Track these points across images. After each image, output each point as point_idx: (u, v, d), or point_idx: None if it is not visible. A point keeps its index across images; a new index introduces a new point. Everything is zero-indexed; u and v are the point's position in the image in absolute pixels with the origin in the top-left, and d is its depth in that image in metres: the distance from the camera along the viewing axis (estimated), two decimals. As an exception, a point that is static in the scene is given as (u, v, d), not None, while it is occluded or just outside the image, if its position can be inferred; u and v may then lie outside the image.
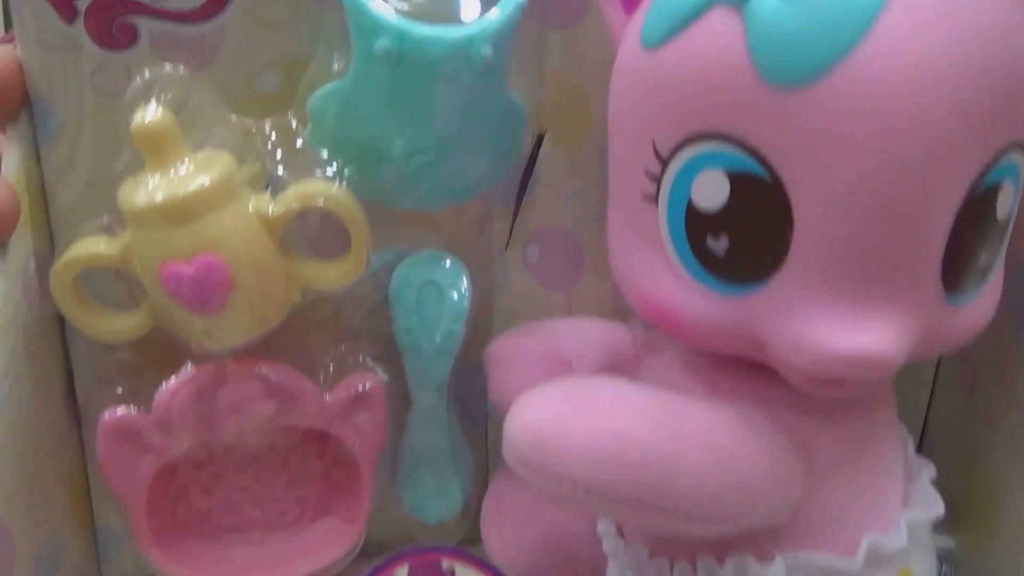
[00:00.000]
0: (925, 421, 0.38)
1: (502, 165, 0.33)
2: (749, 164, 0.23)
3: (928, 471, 0.29)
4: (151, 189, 0.27)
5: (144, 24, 0.29)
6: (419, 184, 0.32)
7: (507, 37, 0.29)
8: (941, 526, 0.35)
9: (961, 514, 0.34)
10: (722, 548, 0.27)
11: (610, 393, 0.24)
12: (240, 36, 0.30)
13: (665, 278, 0.26)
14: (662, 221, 0.26)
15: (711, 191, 0.24)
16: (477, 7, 0.29)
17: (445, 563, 0.30)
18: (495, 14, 0.29)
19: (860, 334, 0.23)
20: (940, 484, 0.35)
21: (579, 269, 0.36)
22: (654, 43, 0.25)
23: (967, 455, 0.34)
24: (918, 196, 0.23)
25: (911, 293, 0.24)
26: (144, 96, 0.29)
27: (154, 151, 0.28)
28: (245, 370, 0.31)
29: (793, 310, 0.24)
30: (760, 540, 0.26)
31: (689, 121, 0.24)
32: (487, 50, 0.28)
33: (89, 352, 0.32)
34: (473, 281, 0.34)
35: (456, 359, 0.35)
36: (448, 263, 0.34)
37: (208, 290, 0.28)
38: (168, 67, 0.29)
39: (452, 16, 0.29)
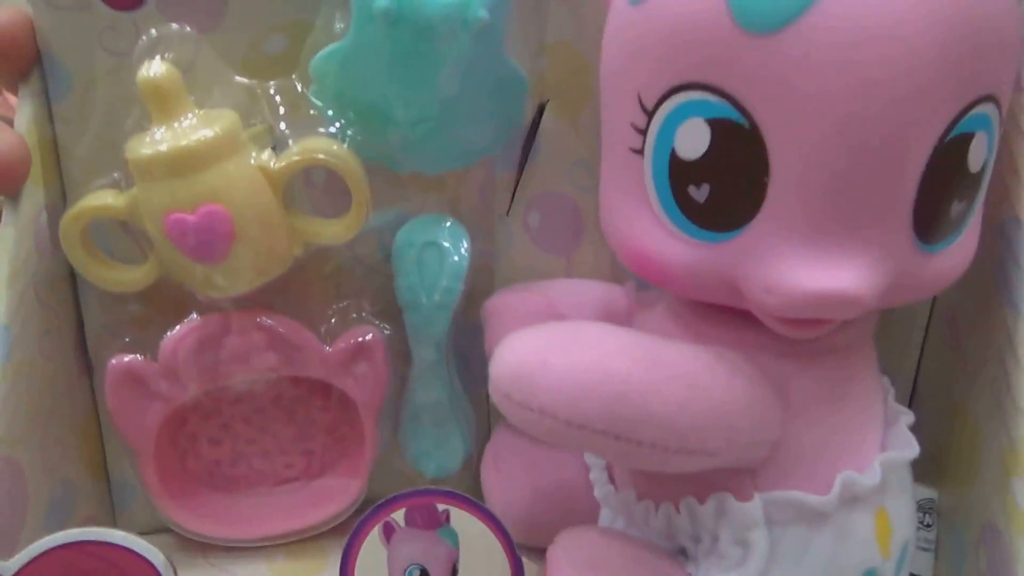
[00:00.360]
0: (916, 378, 0.39)
1: (503, 131, 0.34)
2: (728, 111, 0.24)
3: (906, 417, 0.30)
4: (156, 140, 0.29)
5: (152, -15, 0.30)
6: (422, 147, 0.33)
7: (502, 1, 0.30)
8: (925, 478, 0.36)
9: (945, 465, 0.35)
10: (703, 488, 0.28)
11: (591, 332, 0.25)
12: (245, -1, 0.31)
13: (650, 228, 0.27)
14: (647, 172, 0.26)
15: (693, 139, 0.25)
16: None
17: (440, 506, 0.31)
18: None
19: (830, 274, 0.24)
20: (927, 437, 0.36)
21: (579, 235, 0.37)
22: (637, -4, 0.26)
23: (952, 409, 0.35)
24: (887, 143, 0.23)
25: (882, 238, 0.25)
26: (151, 55, 0.30)
27: (160, 104, 0.29)
28: (249, 321, 0.33)
29: (768, 253, 0.25)
30: (739, 479, 0.27)
31: (671, 72, 0.25)
32: (482, 12, 0.29)
33: (99, 303, 0.34)
34: (474, 244, 0.35)
35: (459, 320, 0.36)
36: (449, 225, 0.35)
37: (211, 239, 0.29)
38: (175, 27, 0.30)
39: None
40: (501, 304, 0.35)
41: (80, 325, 0.34)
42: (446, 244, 0.35)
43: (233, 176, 0.29)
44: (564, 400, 0.24)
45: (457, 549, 0.31)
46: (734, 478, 0.27)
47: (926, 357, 0.39)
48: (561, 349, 0.25)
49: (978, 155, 0.25)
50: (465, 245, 0.35)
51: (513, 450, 0.36)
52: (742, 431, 0.26)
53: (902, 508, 0.30)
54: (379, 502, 0.31)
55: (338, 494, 0.37)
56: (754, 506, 0.27)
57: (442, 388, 0.37)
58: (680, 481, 0.28)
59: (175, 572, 0.28)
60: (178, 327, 0.32)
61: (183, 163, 0.28)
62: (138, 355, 0.32)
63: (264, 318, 0.33)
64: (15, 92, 0.31)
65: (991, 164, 0.26)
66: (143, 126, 0.30)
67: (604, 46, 0.28)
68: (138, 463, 0.34)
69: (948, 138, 0.24)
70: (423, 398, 0.37)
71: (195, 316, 0.32)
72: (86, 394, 0.35)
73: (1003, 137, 0.30)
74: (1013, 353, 0.30)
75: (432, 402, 0.37)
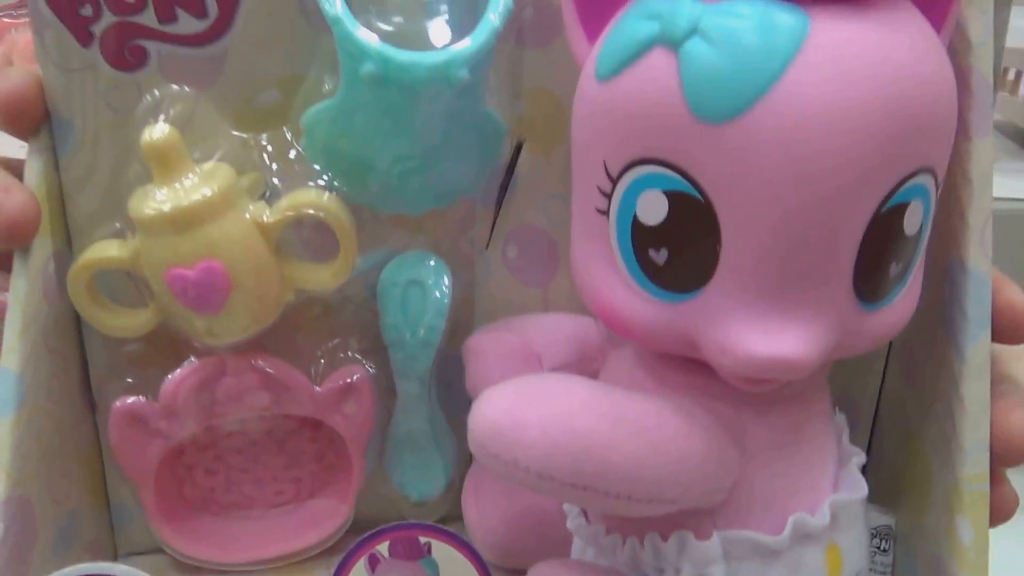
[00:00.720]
0: (877, 404, 0.41)
1: (482, 172, 0.36)
2: (684, 186, 0.26)
3: (858, 459, 0.32)
4: (158, 200, 0.31)
5: (153, 47, 0.32)
6: (403, 191, 0.35)
7: (482, 60, 0.32)
8: (885, 502, 0.38)
9: (901, 492, 0.37)
10: (667, 526, 0.30)
11: (559, 389, 0.27)
12: (240, 57, 0.33)
13: (615, 285, 0.29)
14: (612, 233, 0.28)
15: (652, 208, 0.27)
16: (448, 32, 0.32)
17: (423, 538, 0.33)
18: (471, 40, 0.31)
19: (777, 340, 0.26)
20: (886, 463, 0.38)
21: (554, 266, 0.39)
22: (605, 76, 0.27)
23: (908, 438, 0.37)
24: (828, 218, 0.25)
25: (825, 302, 0.27)
26: (153, 113, 0.32)
27: (161, 165, 0.31)
28: (243, 363, 0.35)
29: (721, 316, 0.27)
30: (699, 519, 0.29)
31: (633, 147, 0.27)
32: (463, 72, 0.31)
33: (103, 347, 0.36)
34: (455, 279, 0.37)
35: (441, 352, 0.38)
36: (432, 263, 0.37)
37: (209, 293, 0.31)
38: (175, 86, 0.32)
39: (430, 42, 0.32)
40: (480, 344, 0.37)
41: (85, 367, 0.36)
42: (429, 282, 0.37)
43: (229, 232, 0.31)
44: (534, 455, 0.26)
45: (436, 580, 0.33)
46: (694, 518, 0.29)
47: (886, 386, 0.41)
48: (532, 406, 0.27)
49: (914, 220, 0.27)
50: (446, 282, 0.37)
51: (492, 480, 0.38)
52: (699, 480, 0.28)
53: (853, 541, 0.32)
54: (365, 535, 0.33)
55: (326, 519, 0.39)
56: (713, 544, 0.29)
57: (424, 418, 0.39)
58: (645, 520, 0.30)
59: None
60: (178, 370, 0.34)
61: (183, 221, 0.30)
62: (140, 396, 0.34)
63: (257, 360, 0.35)
64: None
65: (928, 225, 0.28)
66: (144, 179, 0.32)
67: (574, 111, 0.30)
68: (138, 492, 0.36)
69: (884, 209, 0.26)
70: (407, 428, 0.39)
71: (193, 359, 0.34)
72: (90, 430, 0.37)
73: (950, 184, 0.33)
74: (957, 394, 0.32)
75: (415, 432, 0.39)
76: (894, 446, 0.39)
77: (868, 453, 0.40)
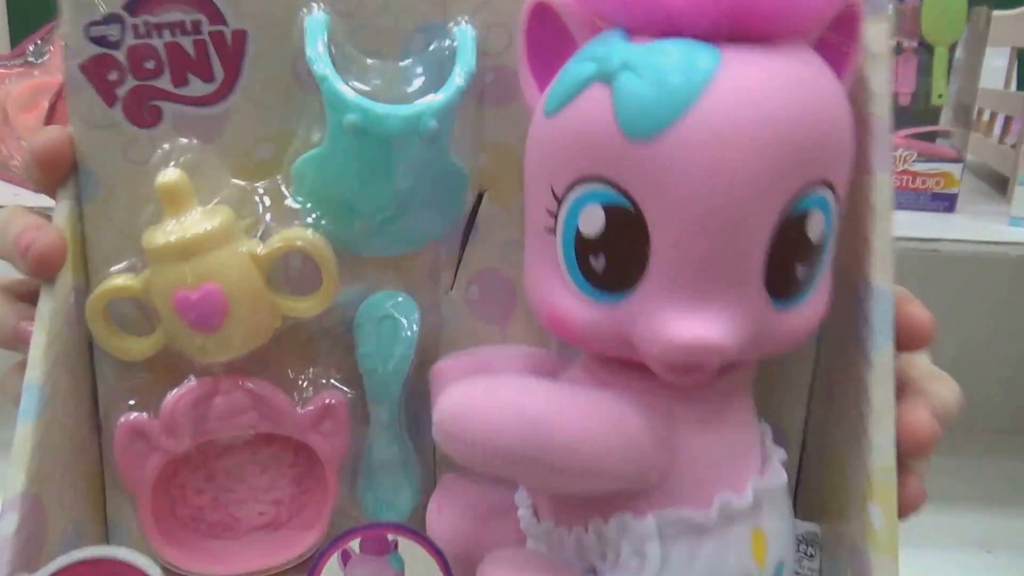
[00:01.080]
0: (804, 438, 0.45)
1: (448, 218, 0.41)
2: (618, 199, 0.31)
3: (779, 455, 0.36)
4: (167, 232, 0.36)
5: (167, 107, 0.37)
6: (381, 234, 0.40)
7: (449, 113, 0.37)
8: (811, 514, 0.42)
9: (824, 503, 0.41)
10: (608, 510, 0.33)
11: (510, 380, 0.32)
12: (241, 116, 0.38)
13: (563, 295, 0.34)
14: (559, 247, 0.33)
15: (591, 220, 0.32)
16: (420, 92, 0.37)
17: (390, 536, 0.37)
18: (440, 94, 0.37)
19: (698, 326, 0.30)
20: (812, 480, 0.42)
21: (512, 306, 0.43)
22: (552, 111, 0.33)
23: (828, 453, 0.41)
24: (739, 221, 0.30)
25: (741, 297, 0.31)
26: (165, 161, 0.37)
27: (170, 202, 0.36)
28: (234, 384, 0.39)
29: (650, 311, 0.31)
30: (636, 502, 0.33)
31: (575, 168, 0.32)
32: (432, 123, 0.37)
33: (112, 372, 0.40)
34: (424, 316, 0.41)
35: (410, 383, 0.42)
36: (402, 300, 0.41)
37: (209, 313, 0.36)
38: (184, 140, 0.38)
39: (403, 96, 0.37)
40: (444, 367, 0.41)
41: (95, 391, 0.40)
42: (400, 318, 0.41)
43: (227, 260, 0.36)
44: (488, 434, 0.30)
45: (403, 572, 0.37)
46: (631, 501, 0.33)
47: (811, 411, 0.45)
48: (486, 395, 0.32)
49: (816, 228, 0.32)
50: (416, 318, 0.41)
51: (453, 498, 0.42)
52: (632, 458, 0.32)
53: (778, 531, 0.35)
54: (339, 534, 0.37)
55: (303, 538, 0.42)
56: (648, 523, 0.33)
57: (395, 444, 0.42)
58: (588, 508, 0.34)
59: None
60: (176, 389, 0.38)
61: (188, 250, 0.35)
62: (143, 413, 0.38)
63: (247, 382, 0.39)
64: (54, 196, 0.38)
65: (831, 236, 0.34)
66: (154, 221, 0.37)
67: (527, 147, 0.36)
68: (137, 506, 0.39)
69: (788, 216, 0.31)
70: (379, 454, 0.42)
71: (192, 379, 0.38)
72: (96, 450, 0.40)
73: (858, 214, 0.38)
74: (866, 398, 0.37)
75: (386, 457, 0.42)
76: (819, 464, 0.43)
77: (798, 480, 0.44)
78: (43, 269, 0.36)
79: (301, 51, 0.37)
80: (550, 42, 0.35)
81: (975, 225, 1.21)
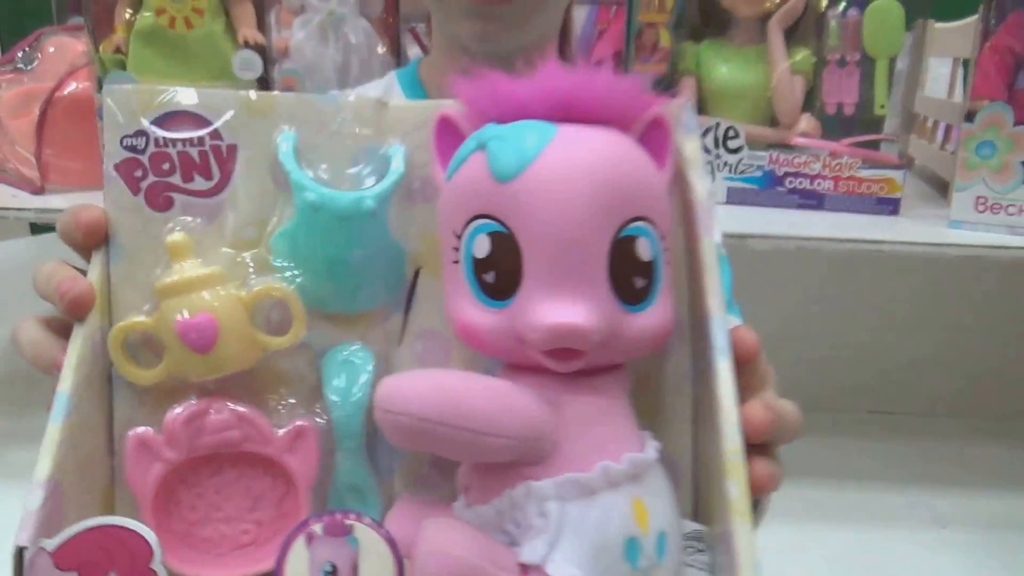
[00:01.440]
0: (695, 450, 0.54)
1: (393, 285, 0.52)
2: (497, 227, 0.43)
3: (654, 443, 0.45)
4: (172, 273, 0.48)
5: (178, 197, 0.50)
6: (341, 295, 0.51)
7: (385, 199, 0.50)
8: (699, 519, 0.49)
9: (708, 510, 0.49)
10: (516, 481, 0.43)
11: (432, 369, 0.43)
12: (232, 206, 0.50)
13: (467, 307, 0.45)
14: (462, 272, 0.45)
15: (481, 246, 0.43)
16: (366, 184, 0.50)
17: (347, 521, 0.45)
18: (377, 186, 0.50)
19: (563, 313, 0.41)
20: (700, 486, 0.50)
21: (448, 359, 0.52)
22: (449, 177, 0.46)
23: (706, 466, 0.49)
24: (581, 244, 0.42)
25: (596, 297, 0.42)
26: (175, 229, 0.50)
27: (176, 254, 0.48)
28: (223, 405, 0.49)
29: (529, 307, 0.42)
30: (536, 470, 0.42)
31: (467, 211, 0.44)
32: (372, 203, 0.49)
33: (125, 393, 0.50)
34: (379, 364, 0.51)
35: (368, 420, 0.51)
36: (359, 348, 0.52)
37: (204, 335, 0.47)
38: (189, 219, 0.50)
39: (351, 189, 0.50)
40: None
41: (110, 409, 0.50)
42: (358, 363, 0.52)
43: (219, 297, 0.48)
44: (414, 405, 0.41)
45: (357, 551, 0.45)
46: (532, 469, 0.43)
47: (695, 427, 0.53)
48: (413, 377, 0.43)
49: (644, 249, 0.44)
50: (371, 364, 0.51)
51: (405, 509, 0.51)
52: (526, 420, 0.42)
53: (657, 505, 0.43)
54: (304, 519, 0.46)
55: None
56: (547, 484, 0.42)
57: (360, 471, 0.52)
58: (502, 482, 0.43)
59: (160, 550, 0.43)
60: (176, 409, 0.49)
61: (189, 286, 0.47)
62: (149, 428, 0.49)
63: (235, 405, 0.49)
64: (88, 257, 0.50)
65: (660, 257, 0.45)
66: (163, 277, 0.49)
67: (437, 211, 0.48)
68: (139, 511, 0.49)
69: (618, 238, 0.43)
70: (344, 478, 0.51)
71: (193, 400, 0.49)
72: (108, 457, 0.50)
73: (696, 268, 0.49)
74: (718, 402, 0.44)
75: (351, 482, 0.51)
76: (703, 471, 0.52)
77: (694, 510, 0.51)
78: (76, 310, 0.47)
79: (276, 161, 0.50)
80: (450, 140, 0.48)
81: (917, 227, 1.29)
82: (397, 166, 0.50)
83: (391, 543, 0.45)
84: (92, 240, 0.50)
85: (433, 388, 0.42)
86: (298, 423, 0.50)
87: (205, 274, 0.48)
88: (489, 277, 0.44)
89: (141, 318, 0.49)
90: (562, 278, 0.42)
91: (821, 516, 1.69)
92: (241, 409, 0.49)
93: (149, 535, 0.43)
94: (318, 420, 0.51)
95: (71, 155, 1.40)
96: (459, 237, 0.45)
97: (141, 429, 0.49)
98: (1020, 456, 1.95)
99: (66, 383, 0.46)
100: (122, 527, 0.43)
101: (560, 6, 0.82)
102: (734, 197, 1.40)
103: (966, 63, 1.36)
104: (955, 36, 1.46)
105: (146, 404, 0.50)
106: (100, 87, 1.25)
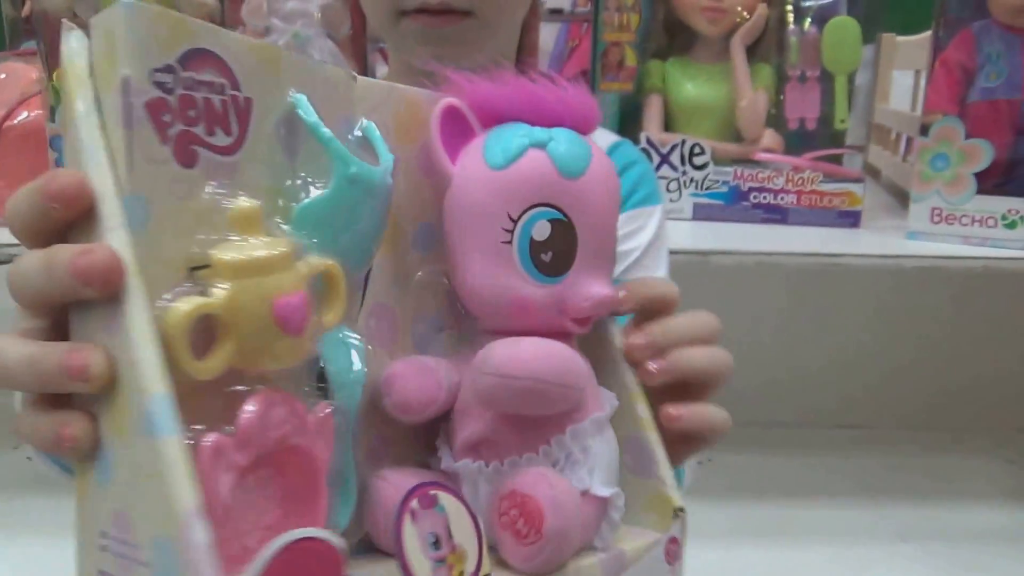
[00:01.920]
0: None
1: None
2: (558, 215, 0.51)
3: (610, 399, 0.57)
4: (265, 246, 0.40)
5: (202, 152, 0.41)
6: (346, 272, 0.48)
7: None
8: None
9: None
10: (564, 426, 0.51)
11: (527, 338, 0.49)
12: (247, 169, 0.43)
13: (517, 283, 0.51)
14: (514, 251, 0.50)
15: (542, 230, 0.50)
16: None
17: (431, 492, 0.45)
18: (383, 160, 0.49)
19: (605, 288, 0.52)
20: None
21: (396, 337, 0.54)
22: (499, 166, 0.51)
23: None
24: (613, 232, 0.54)
25: (611, 271, 0.54)
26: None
27: (245, 228, 0.41)
28: (282, 396, 0.42)
29: (581, 283, 0.51)
30: (577, 414, 0.51)
31: (526, 199, 0.50)
32: (390, 179, 0.49)
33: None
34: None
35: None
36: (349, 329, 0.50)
37: (306, 314, 0.41)
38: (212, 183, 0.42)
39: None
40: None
41: None
42: (354, 342, 0.49)
43: (300, 275, 0.42)
44: (535, 366, 0.47)
45: (447, 517, 0.46)
46: (575, 415, 0.51)
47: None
48: (520, 343, 0.47)
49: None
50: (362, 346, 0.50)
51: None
52: (588, 376, 0.51)
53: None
54: (400, 499, 0.44)
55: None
56: (587, 425, 0.51)
57: (347, 454, 0.49)
58: (541, 433, 0.50)
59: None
60: (247, 404, 0.40)
61: (282, 263, 0.41)
62: (217, 433, 0.39)
63: (287, 397, 0.43)
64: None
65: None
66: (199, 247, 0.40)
67: (461, 196, 0.51)
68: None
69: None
70: (336, 463, 0.49)
71: (260, 389, 0.41)
72: None
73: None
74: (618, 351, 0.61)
75: (342, 465, 0.49)
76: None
77: None
78: (107, 286, 0.37)
79: (284, 120, 0.46)
80: (457, 130, 0.53)
81: (876, 240, 1.33)
82: (385, 143, 0.51)
83: (465, 503, 0.48)
84: (74, 212, 0.38)
85: (546, 354, 0.48)
86: (322, 409, 0.46)
87: (287, 252, 0.42)
88: (547, 256, 0.51)
89: (206, 300, 0.39)
90: (602, 259, 0.53)
91: (788, 532, 1.66)
92: (292, 400, 0.44)
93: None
94: (310, 401, 0.48)
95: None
96: (515, 221, 0.50)
97: (213, 436, 0.39)
98: (984, 468, 1.96)
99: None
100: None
101: (515, 26, 0.84)
102: (700, 213, 1.41)
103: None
104: (915, 49, 1.50)
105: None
106: (53, 116, 1.19)
